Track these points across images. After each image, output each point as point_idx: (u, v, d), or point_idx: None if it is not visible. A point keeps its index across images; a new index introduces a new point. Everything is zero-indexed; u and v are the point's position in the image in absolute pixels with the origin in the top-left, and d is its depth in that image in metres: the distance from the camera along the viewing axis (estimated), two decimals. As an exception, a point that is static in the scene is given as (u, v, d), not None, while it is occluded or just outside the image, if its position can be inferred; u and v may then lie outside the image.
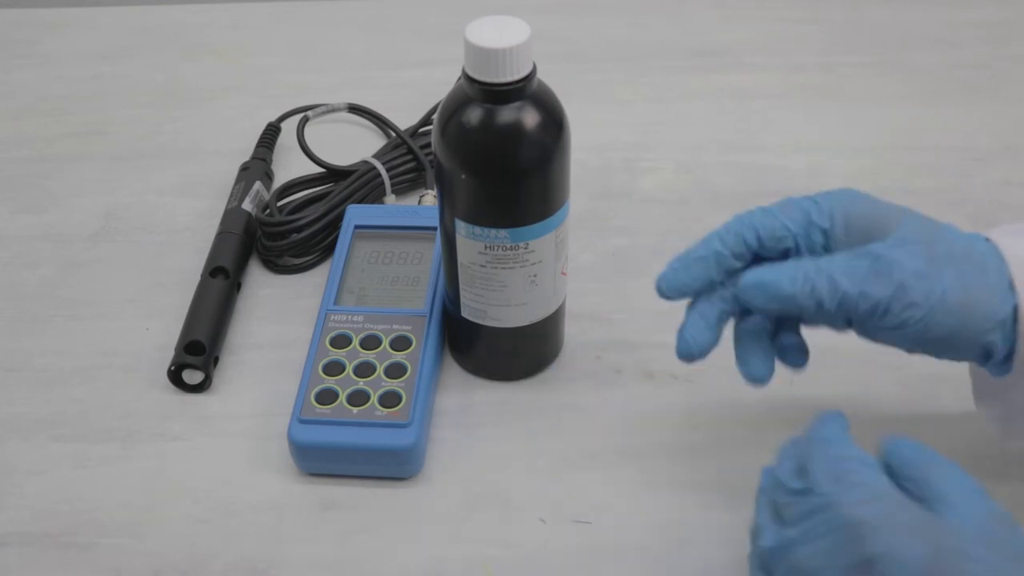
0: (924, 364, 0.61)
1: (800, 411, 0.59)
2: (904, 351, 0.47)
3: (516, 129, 0.50)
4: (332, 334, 0.59)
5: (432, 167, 0.72)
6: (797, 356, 0.50)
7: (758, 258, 0.48)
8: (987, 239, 0.46)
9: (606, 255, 0.69)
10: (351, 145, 0.77)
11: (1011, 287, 0.44)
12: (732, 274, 0.48)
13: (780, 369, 0.61)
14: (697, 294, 0.49)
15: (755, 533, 0.44)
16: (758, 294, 0.45)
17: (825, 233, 0.46)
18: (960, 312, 0.44)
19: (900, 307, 0.44)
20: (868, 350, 0.61)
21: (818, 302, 0.44)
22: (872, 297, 0.44)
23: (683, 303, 0.50)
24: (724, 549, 0.52)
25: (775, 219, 0.46)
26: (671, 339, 0.62)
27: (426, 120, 0.77)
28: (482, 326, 0.57)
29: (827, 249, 0.46)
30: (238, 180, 0.72)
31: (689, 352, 0.48)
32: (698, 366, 0.61)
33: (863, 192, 0.47)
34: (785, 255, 0.47)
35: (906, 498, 0.40)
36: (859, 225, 0.46)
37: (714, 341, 0.49)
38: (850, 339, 0.62)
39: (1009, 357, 0.46)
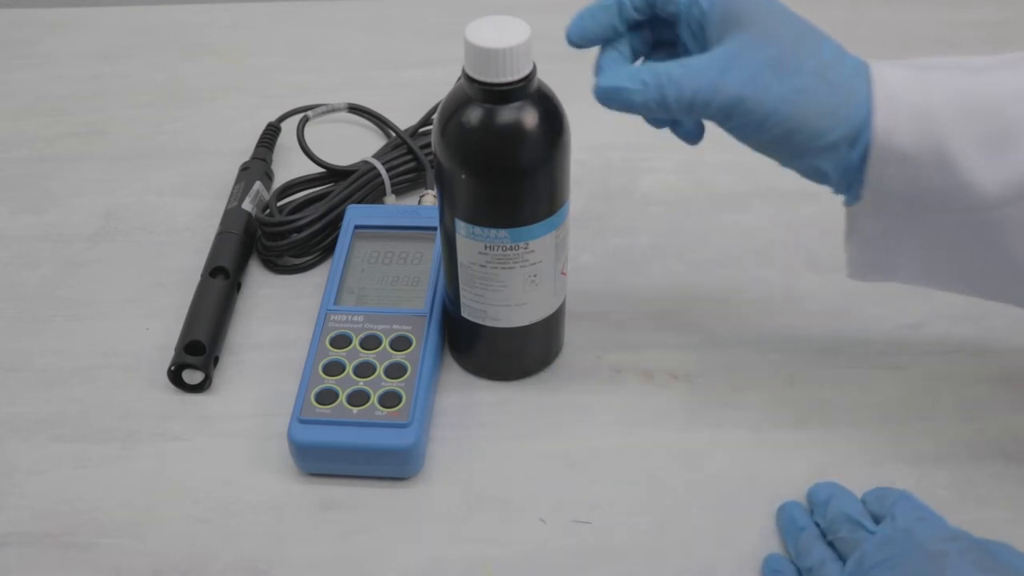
0: (924, 364, 0.61)
1: (800, 411, 0.59)
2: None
3: (516, 129, 0.50)
4: (332, 334, 0.59)
5: (432, 167, 0.72)
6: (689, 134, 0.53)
7: (655, 16, 0.50)
8: (867, 65, 0.48)
9: (606, 255, 0.69)
10: (351, 145, 0.77)
11: (863, 114, 0.46)
12: (633, 27, 0.51)
13: (780, 369, 0.61)
14: (603, 42, 0.51)
15: (814, 570, 0.49)
16: (611, 100, 0.49)
17: (703, 11, 0.48)
18: (790, 134, 0.46)
19: (738, 113, 0.46)
20: (868, 351, 0.62)
21: (665, 106, 0.47)
22: (712, 104, 0.46)
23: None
24: (724, 549, 0.52)
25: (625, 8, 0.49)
26: (671, 339, 0.63)
27: (426, 120, 0.77)
28: (482, 326, 0.57)
29: (701, 25, 0.48)
30: (238, 180, 0.72)
31: (579, 33, 0.50)
32: (698, 366, 0.61)
33: None
34: (674, 19, 0.49)
35: (976, 540, 0.46)
36: (733, 13, 0.47)
37: (604, 35, 0.50)
38: (849, 340, 0.62)
39: (851, 188, 0.49)
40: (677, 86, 0.46)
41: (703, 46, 0.49)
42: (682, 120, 0.52)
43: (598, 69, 0.51)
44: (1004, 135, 0.46)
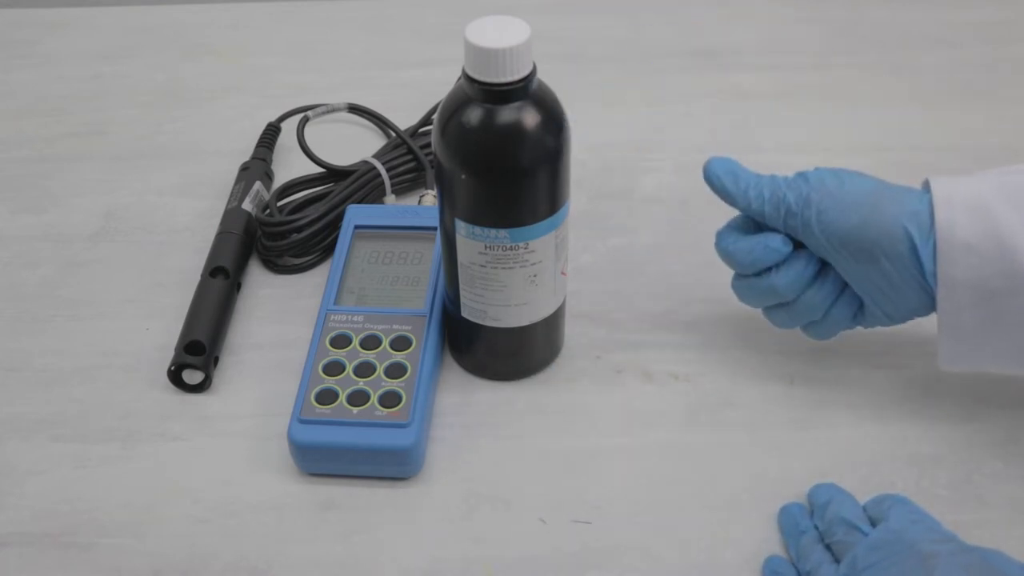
0: (924, 364, 0.61)
1: (800, 411, 0.59)
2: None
3: (516, 129, 0.50)
4: (332, 334, 0.59)
5: (432, 167, 0.72)
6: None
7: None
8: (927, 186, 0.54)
9: (606, 255, 0.69)
10: (351, 145, 0.77)
11: (928, 214, 0.52)
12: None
13: (780, 369, 0.61)
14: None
15: (812, 574, 0.50)
16: (713, 179, 0.57)
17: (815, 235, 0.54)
18: (864, 211, 0.53)
19: (811, 212, 0.53)
20: (868, 351, 0.62)
21: (756, 204, 0.55)
22: (787, 201, 0.54)
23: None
24: (724, 549, 0.52)
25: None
26: (671, 339, 0.63)
27: (426, 120, 0.77)
28: (482, 326, 0.57)
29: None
30: (238, 180, 0.72)
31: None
32: (698, 366, 0.61)
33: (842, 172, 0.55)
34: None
35: (968, 545, 0.46)
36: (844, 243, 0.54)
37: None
38: (849, 340, 0.62)
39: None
40: (769, 186, 0.55)
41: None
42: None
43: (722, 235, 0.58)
44: None
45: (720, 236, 0.57)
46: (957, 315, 0.52)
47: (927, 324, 0.63)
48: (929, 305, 0.54)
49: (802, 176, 0.55)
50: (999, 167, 0.55)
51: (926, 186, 0.54)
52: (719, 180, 0.57)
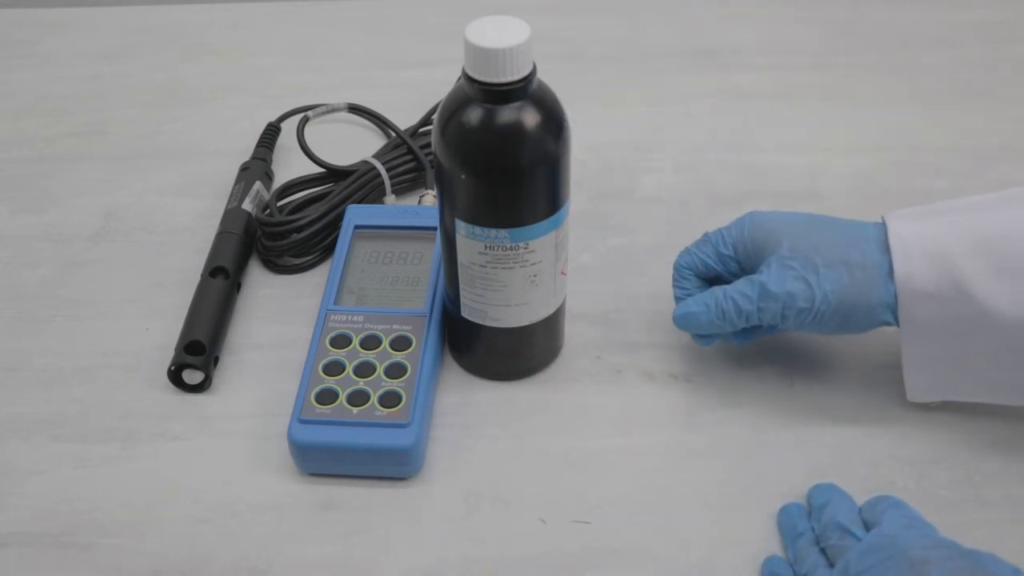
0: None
1: (800, 411, 0.59)
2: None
3: (516, 129, 0.50)
4: (332, 334, 0.59)
5: (432, 167, 0.72)
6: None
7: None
8: (883, 222, 0.55)
9: (606, 255, 0.69)
10: (351, 145, 0.77)
11: (890, 275, 0.54)
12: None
13: (779, 369, 0.61)
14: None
15: None
16: (687, 325, 0.58)
17: (733, 258, 0.58)
18: (845, 307, 0.54)
19: (792, 313, 0.55)
20: (868, 351, 0.62)
21: (730, 320, 0.56)
22: (768, 311, 0.55)
23: (673, 309, 0.59)
24: (724, 549, 0.52)
25: (695, 257, 0.59)
26: (671, 339, 0.63)
27: (426, 120, 0.77)
28: (482, 326, 0.57)
29: (739, 264, 0.58)
30: (238, 180, 0.72)
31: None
32: (698, 366, 0.61)
33: (761, 214, 0.58)
34: (717, 275, 0.59)
35: (961, 549, 0.46)
36: (753, 248, 0.57)
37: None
38: (849, 340, 0.62)
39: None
40: (734, 303, 0.56)
41: (751, 270, 0.58)
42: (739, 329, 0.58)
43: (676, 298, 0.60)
44: (1015, 264, 0.52)
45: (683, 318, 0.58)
46: (920, 353, 0.55)
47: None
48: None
49: (752, 283, 0.56)
50: (963, 197, 0.56)
51: (881, 233, 0.55)
52: (689, 329, 0.58)
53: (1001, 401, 0.56)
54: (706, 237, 0.60)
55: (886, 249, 0.54)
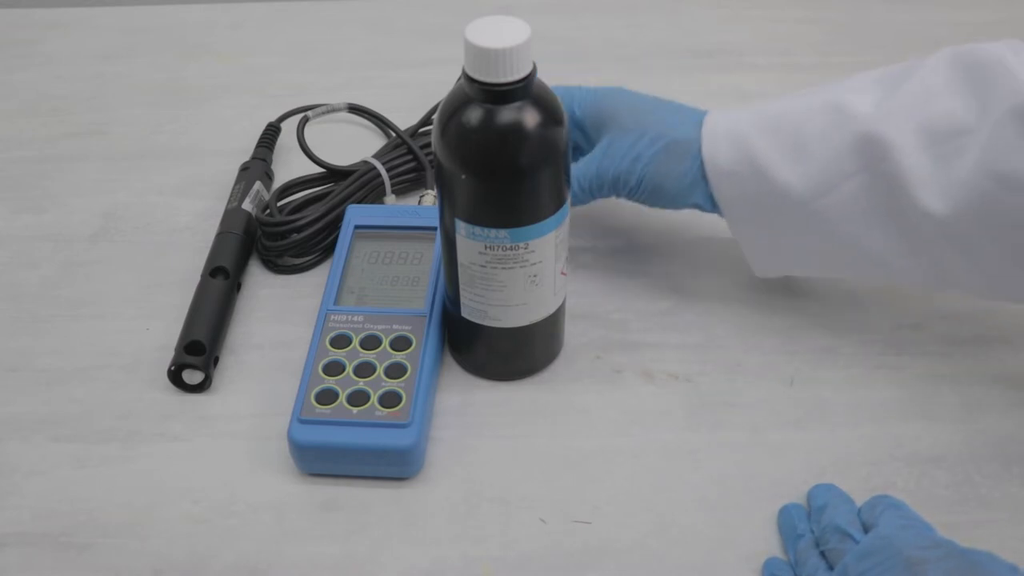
0: (924, 364, 0.61)
1: (800, 411, 0.59)
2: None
3: (516, 129, 0.50)
4: (332, 334, 0.59)
5: (432, 167, 0.72)
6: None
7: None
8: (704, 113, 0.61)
9: (606, 255, 0.69)
10: (351, 145, 0.77)
11: (699, 153, 0.59)
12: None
13: (780, 369, 0.61)
14: None
15: None
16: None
17: (580, 121, 0.64)
18: (659, 189, 0.61)
19: (622, 185, 0.62)
20: (868, 351, 0.62)
21: (578, 198, 0.63)
22: (602, 182, 0.62)
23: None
24: (724, 549, 0.52)
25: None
26: (671, 339, 0.63)
27: (426, 120, 0.77)
28: (482, 326, 0.57)
29: (584, 133, 0.65)
30: (238, 180, 0.72)
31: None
32: (698, 366, 0.61)
33: (625, 91, 0.63)
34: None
35: (958, 548, 0.46)
36: (600, 120, 0.63)
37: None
38: (849, 340, 0.62)
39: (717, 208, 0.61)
40: (575, 179, 0.62)
41: (591, 146, 0.64)
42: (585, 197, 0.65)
43: None
44: (801, 141, 0.56)
45: None
46: (742, 230, 0.60)
47: (927, 324, 0.63)
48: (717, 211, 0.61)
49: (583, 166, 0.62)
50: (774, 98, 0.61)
51: (700, 119, 0.60)
52: None
53: (831, 274, 0.62)
54: (569, 91, 0.65)
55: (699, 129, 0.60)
